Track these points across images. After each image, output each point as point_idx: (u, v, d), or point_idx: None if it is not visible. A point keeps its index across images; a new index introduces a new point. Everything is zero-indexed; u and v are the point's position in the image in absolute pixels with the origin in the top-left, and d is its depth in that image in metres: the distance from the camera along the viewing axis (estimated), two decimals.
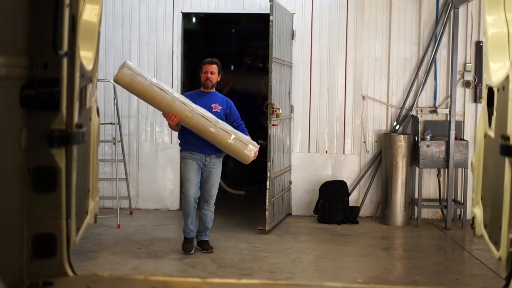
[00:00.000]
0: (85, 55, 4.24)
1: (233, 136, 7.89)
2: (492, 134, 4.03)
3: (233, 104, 8.35)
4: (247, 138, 8.08)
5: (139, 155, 10.94)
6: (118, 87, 10.42)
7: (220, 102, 8.19)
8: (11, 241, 3.42)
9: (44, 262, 3.61)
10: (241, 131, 8.09)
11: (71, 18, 3.56)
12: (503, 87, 3.70)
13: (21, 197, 3.49)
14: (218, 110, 8.08)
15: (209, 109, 7.95)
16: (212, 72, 8.12)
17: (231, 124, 8.04)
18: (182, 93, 10.62)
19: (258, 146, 8.11)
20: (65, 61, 3.52)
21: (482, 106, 4.35)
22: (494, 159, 3.91)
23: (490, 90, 4.06)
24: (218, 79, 8.26)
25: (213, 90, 8.27)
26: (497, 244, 3.80)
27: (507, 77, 3.56)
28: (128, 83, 7.63)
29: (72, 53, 3.65)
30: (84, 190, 4.36)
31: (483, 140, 4.35)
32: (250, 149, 7.96)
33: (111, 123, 10.19)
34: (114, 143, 10.16)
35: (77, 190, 3.91)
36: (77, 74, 3.79)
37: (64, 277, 3.62)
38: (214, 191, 8.24)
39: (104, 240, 8.85)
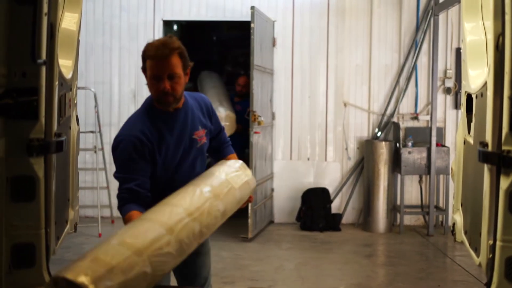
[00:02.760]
0: (64, 64, 4.22)
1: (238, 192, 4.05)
2: (471, 140, 4.05)
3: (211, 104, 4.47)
4: (244, 175, 4.23)
5: None
6: (99, 96, 10.40)
7: (199, 121, 4.24)
8: None
9: (23, 271, 3.59)
10: (227, 150, 4.57)
11: (49, 27, 3.55)
12: (482, 94, 3.72)
13: (0, 207, 3.46)
14: (205, 140, 4.26)
15: (190, 146, 4.14)
16: (172, 74, 3.88)
17: (215, 145, 4.51)
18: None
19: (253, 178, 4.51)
20: (43, 70, 3.50)
21: (461, 112, 4.37)
22: (474, 165, 3.92)
23: (469, 97, 4.08)
24: (187, 80, 4.02)
25: (180, 105, 4.09)
26: (477, 250, 3.81)
27: (485, 84, 3.58)
28: None
29: (50, 62, 3.64)
30: (63, 199, 4.34)
31: (463, 146, 4.37)
32: (250, 187, 4.32)
33: (92, 132, 10.13)
34: (95, 152, 10.10)
35: (56, 199, 3.90)
36: (56, 82, 3.78)
37: (44, 286, 3.59)
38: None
39: (85, 249, 8.78)
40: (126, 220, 3.72)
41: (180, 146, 4.05)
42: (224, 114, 10.26)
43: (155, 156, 3.91)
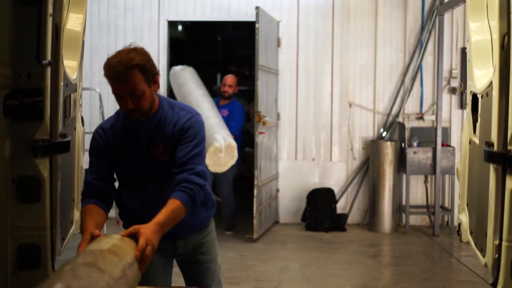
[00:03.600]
0: (69, 64, 4.23)
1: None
2: (476, 140, 4.04)
3: (196, 119, 3.86)
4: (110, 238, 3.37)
5: None
6: (104, 96, 10.40)
7: (162, 137, 3.82)
8: None
9: (29, 273, 3.59)
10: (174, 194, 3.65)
11: (54, 28, 3.55)
12: (487, 93, 3.71)
13: (5, 208, 3.47)
14: (166, 158, 3.83)
15: (149, 162, 3.84)
16: (133, 93, 3.64)
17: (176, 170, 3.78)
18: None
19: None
20: (48, 71, 3.51)
21: (467, 112, 4.36)
22: (479, 165, 3.92)
23: (475, 97, 4.07)
24: (156, 90, 3.79)
25: (152, 112, 3.81)
26: (483, 250, 3.81)
27: (491, 84, 3.57)
28: None
29: (55, 63, 3.64)
30: (69, 199, 4.35)
31: (468, 146, 4.36)
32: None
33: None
34: None
35: (61, 200, 3.90)
36: (61, 83, 3.78)
37: None
38: None
39: None
40: (81, 213, 3.68)
41: (134, 158, 3.82)
42: (223, 144, 8.74)
43: (111, 155, 3.82)
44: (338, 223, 10.35)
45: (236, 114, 9.78)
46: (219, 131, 8.84)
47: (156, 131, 3.80)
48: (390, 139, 10.61)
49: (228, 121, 9.58)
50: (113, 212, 10.91)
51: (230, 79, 9.97)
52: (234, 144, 8.83)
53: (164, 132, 3.79)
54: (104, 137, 3.80)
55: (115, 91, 3.64)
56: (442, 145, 10.22)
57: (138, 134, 3.80)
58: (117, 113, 3.91)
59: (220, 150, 8.59)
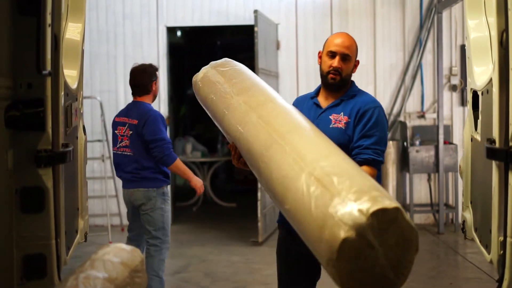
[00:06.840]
0: (69, 74, 4.23)
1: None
2: (478, 137, 4.04)
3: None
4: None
5: None
6: (105, 104, 10.41)
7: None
8: (0, 263, 3.40)
9: (35, 283, 3.59)
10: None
11: (53, 37, 3.55)
12: (487, 90, 3.71)
13: (9, 219, 3.47)
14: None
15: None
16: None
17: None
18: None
19: None
20: (49, 81, 3.51)
21: (468, 109, 4.36)
22: (482, 162, 3.92)
23: (475, 94, 4.08)
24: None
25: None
26: (487, 247, 3.80)
27: (491, 81, 3.58)
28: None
29: (55, 72, 3.65)
30: (73, 209, 4.35)
31: (470, 144, 4.36)
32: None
33: (99, 140, 10.16)
34: (103, 160, 10.12)
35: (65, 209, 3.90)
36: (62, 93, 3.79)
37: None
38: None
39: None
40: None
41: None
42: (364, 222, 2.72)
43: None
44: None
45: (374, 118, 4.39)
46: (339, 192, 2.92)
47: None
48: (392, 139, 10.61)
49: (353, 140, 4.31)
50: (117, 220, 10.91)
51: (344, 37, 4.51)
52: (394, 204, 2.77)
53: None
54: None
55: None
56: (444, 142, 10.22)
57: None
58: None
59: (367, 240, 2.73)
